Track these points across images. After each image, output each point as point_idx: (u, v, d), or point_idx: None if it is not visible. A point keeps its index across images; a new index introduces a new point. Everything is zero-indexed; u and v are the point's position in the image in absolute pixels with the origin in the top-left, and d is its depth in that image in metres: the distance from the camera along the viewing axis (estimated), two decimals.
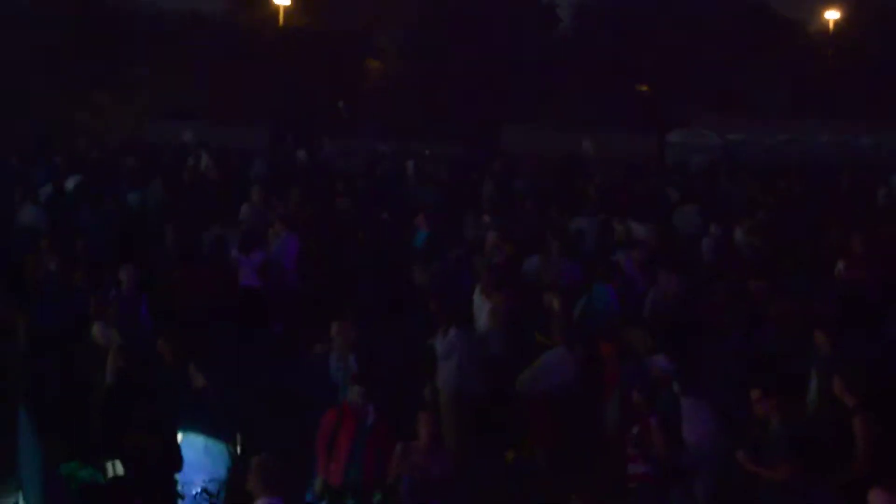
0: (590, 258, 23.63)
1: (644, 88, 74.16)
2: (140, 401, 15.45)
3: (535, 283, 21.78)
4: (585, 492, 12.03)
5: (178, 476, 14.03)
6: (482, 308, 19.64)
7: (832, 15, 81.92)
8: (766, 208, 32.11)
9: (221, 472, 15.16)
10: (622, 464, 14.40)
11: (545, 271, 22.10)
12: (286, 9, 76.85)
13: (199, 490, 14.53)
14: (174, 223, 25.69)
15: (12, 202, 28.03)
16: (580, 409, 17.39)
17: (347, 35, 74.99)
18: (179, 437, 15.09)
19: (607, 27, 76.03)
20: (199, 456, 15.11)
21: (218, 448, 15.53)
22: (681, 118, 65.57)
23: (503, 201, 32.66)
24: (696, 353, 17.75)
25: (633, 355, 17.21)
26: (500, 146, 60.68)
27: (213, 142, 46.55)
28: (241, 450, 16.01)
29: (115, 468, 14.56)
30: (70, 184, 30.89)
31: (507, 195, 34.24)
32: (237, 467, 15.12)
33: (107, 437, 15.36)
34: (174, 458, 14.75)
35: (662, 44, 73.27)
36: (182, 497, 13.69)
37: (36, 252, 21.85)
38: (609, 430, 16.20)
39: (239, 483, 12.88)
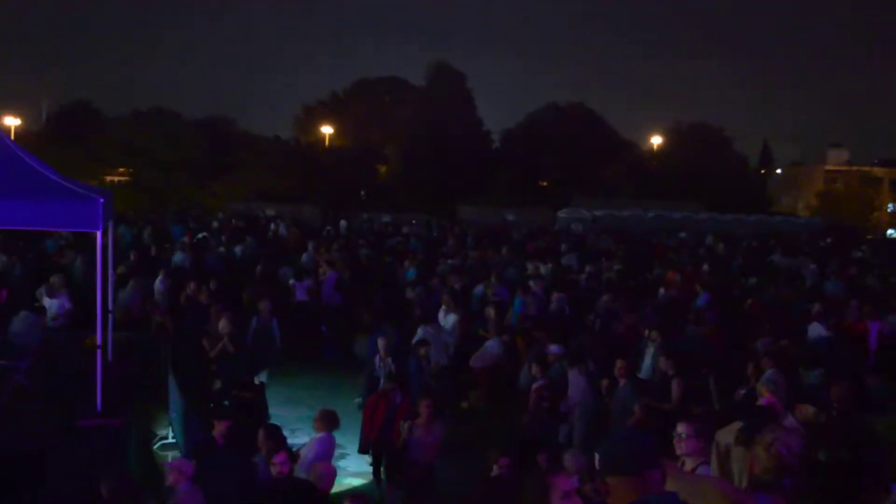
0: (513, 284, 23.71)
1: (544, 183, 75.72)
2: (243, 369, 15.69)
3: (480, 301, 21.89)
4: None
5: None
6: (446, 317, 19.75)
7: (656, 139, 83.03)
8: (618, 255, 32.45)
9: None
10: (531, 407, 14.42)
11: (487, 293, 22.30)
12: (330, 134, 78.33)
13: None
14: (261, 264, 26.05)
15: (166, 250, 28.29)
16: (506, 375, 17.90)
17: (366, 150, 75.97)
18: None
19: (523, 144, 77.21)
20: None
21: None
22: (566, 200, 65.99)
23: (460, 250, 32.74)
24: (577, 341, 17.78)
25: (537, 343, 17.34)
26: (457, 217, 60.89)
27: (286, 214, 47.21)
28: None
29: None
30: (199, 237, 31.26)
31: (463, 246, 34.38)
32: None
33: (223, 393, 15.56)
34: (264, 408, 15.05)
35: (557, 156, 75.26)
36: None
37: (184, 283, 21.75)
38: (522, 389, 16.01)
39: None
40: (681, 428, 7.94)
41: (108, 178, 62.09)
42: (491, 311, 20.14)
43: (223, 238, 32.87)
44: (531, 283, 23.59)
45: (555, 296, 21.96)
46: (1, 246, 25.72)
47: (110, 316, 14.46)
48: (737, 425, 8.59)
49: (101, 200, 11.93)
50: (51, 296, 18.60)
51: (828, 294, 23.82)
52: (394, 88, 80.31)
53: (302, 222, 43.17)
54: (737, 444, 8.14)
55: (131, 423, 12.85)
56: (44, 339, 15.91)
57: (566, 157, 74.32)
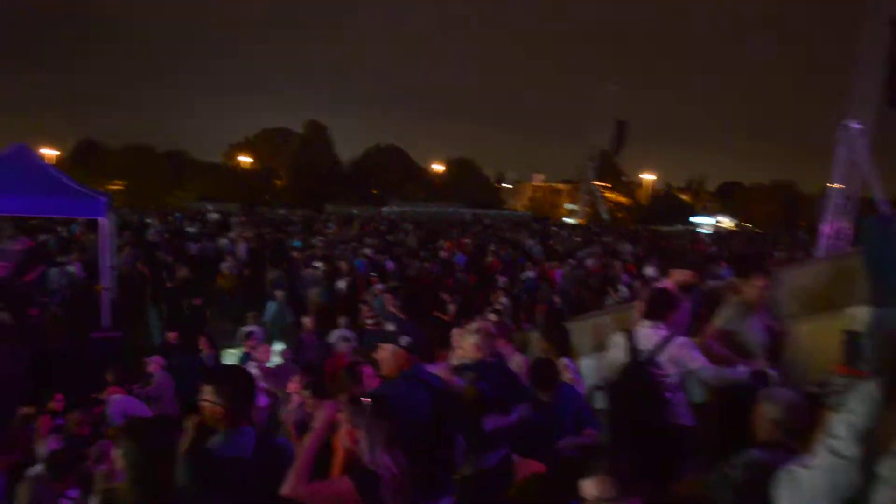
0: (354, 250, 23.29)
1: (375, 192, 74.64)
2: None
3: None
4: None
5: None
6: (318, 266, 19.22)
7: (439, 167, 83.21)
8: (416, 234, 32.35)
9: None
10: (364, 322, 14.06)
11: (344, 255, 21.70)
12: (247, 161, 75.98)
13: None
14: (206, 238, 24.72)
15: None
16: (354, 302, 17.27)
17: (268, 171, 74.39)
18: None
19: (362, 168, 76.31)
20: None
21: None
22: (387, 202, 65.57)
23: (324, 230, 31.91)
24: (393, 284, 17.55)
25: (372, 284, 17.05)
26: (324, 211, 59.89)
27: (219, 210, 45.27)
28: None
29: None
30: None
31: (326, 228, 33.58)
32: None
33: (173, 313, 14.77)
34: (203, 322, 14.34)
35: (382, 175, 74.10)
36: None
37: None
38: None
39: None
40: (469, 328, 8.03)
41: (110, 187, 59.40)
42: (343, 264, 20.00)
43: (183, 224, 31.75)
44: (367, 250, 23.51)
45: (381, 257, 21.82)
46: (43, 228, 24.41)
47: (112, 271, 13.75)
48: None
49: (103, 199, 12.11)
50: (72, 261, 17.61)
51: (535, 255, 24.44)
52: (283, 133, 79.28)
53: (227, 214, 41.54)
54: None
55: (126, 335, 12.49)
56: (70, 286, 15.22)
57: (387, 176, 74.23)
